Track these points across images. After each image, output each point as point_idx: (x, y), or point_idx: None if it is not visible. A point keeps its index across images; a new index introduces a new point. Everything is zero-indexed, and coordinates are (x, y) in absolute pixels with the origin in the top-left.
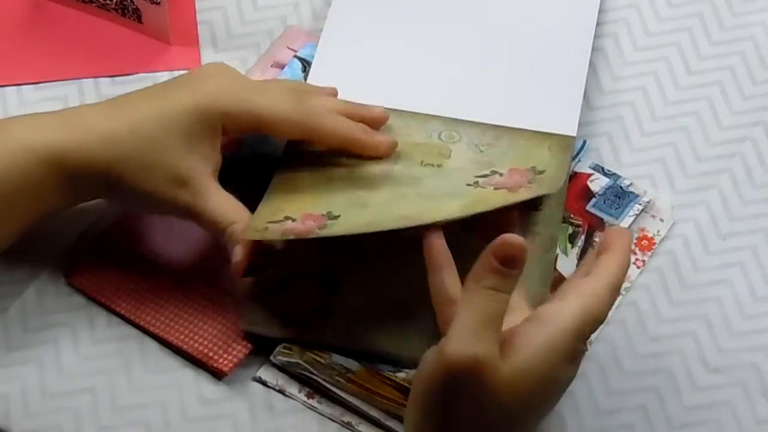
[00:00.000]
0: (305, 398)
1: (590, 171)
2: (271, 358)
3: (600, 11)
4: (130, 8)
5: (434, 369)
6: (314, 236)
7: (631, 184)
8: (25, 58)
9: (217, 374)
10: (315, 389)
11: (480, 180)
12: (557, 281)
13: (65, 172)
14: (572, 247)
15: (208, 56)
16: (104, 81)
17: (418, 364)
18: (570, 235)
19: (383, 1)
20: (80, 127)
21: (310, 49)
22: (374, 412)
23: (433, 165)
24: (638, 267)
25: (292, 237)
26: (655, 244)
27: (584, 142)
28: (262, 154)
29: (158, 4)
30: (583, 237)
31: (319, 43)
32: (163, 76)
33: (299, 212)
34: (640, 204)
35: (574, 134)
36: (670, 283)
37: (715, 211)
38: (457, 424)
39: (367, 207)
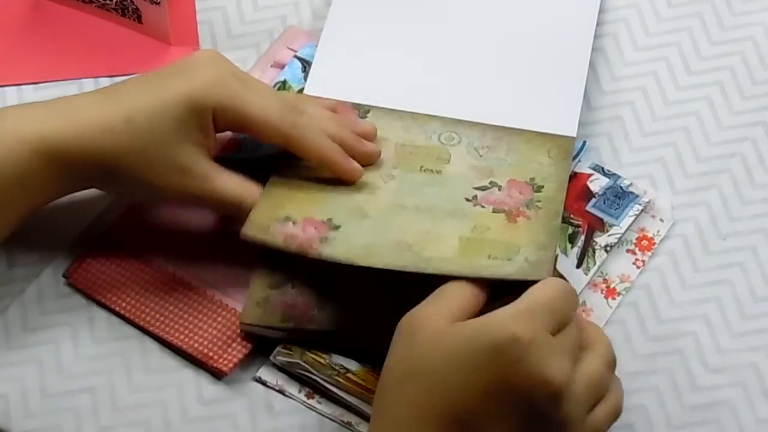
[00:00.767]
0: (305, 398)
1: (590, 171)
2: (271, 358)
3: (600, 11)
4: (129, 8)
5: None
6: (314, 256)
7: (631, 184)
8: (25, 58)
9: (217, 374)
10: (315, 389)
11: (479, 194)
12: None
13: (59, 163)
14: (572, 247)
15: None
16: (104, 81)
17: None
18: (570, 235)
19: (383, 2)
20: (74, 118)
21: (310, 49)
22: None
23: (432, 171)
24: (638, 267)
25: (293, 249)
26: (655, 244)
27: (584, 142)
28: (261, 155)
29: (158, 4)
30: (583, 237)
31: (319, 43)
32: None
33: (300, 215)
34: (640, 204)
35: (574, 134)
36: (670, 283)
37: (715, 211)
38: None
39: (367, 218)
